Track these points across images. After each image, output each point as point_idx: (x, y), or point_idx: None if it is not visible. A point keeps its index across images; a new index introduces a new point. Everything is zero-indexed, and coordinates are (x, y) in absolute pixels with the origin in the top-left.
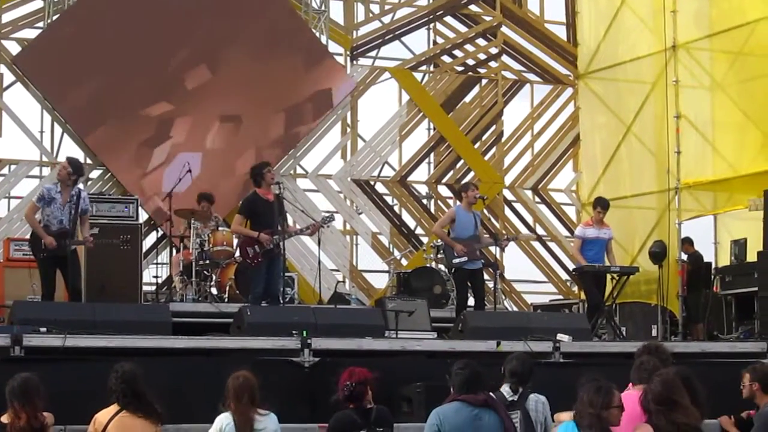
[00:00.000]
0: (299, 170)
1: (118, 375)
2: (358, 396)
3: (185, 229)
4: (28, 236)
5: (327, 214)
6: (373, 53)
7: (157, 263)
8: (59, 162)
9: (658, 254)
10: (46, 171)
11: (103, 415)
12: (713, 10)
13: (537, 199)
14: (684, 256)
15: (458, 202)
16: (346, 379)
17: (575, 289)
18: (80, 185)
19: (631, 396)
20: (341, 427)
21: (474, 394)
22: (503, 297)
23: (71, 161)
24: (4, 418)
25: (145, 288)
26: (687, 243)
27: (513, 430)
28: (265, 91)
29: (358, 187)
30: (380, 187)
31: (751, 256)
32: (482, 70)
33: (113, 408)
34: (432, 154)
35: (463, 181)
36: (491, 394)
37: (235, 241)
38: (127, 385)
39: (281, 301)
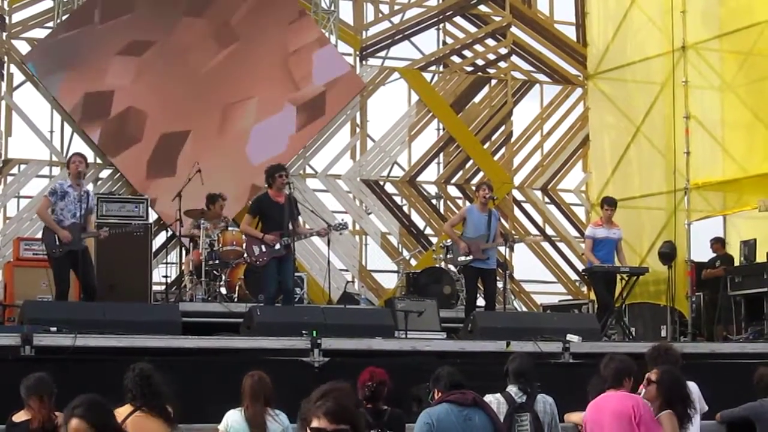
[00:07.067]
0: (308, 170)
1: (135, 374)
2: (377, 396)
3: (192, 229)
4: (38, 236)
5: (341, 222)
6: (382, 53)
7: (166, 263)
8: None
9: (668, 255)
10: (56, 171)
11: (117, 415)
12: (722, 11)
13: (546, 200)
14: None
15: (467, 203)
16: (367, 379)
17: (584, 289)
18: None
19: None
20: None
21: (462, 393)
22: (513, 297)
23: (83, 156)
24: (16, 417)
25: (154, 288)
26: (718, 243)
27: (504, 429)
28: (279, 89)
29: (368, 187)
30: (389, 188)
31: (761, 257)
32: (492, 71)
33: (127, 408)
34: (441, 155)
35: (474, 181)
36: (499, 394)
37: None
38: (143, 385)
39: (294, 299)
